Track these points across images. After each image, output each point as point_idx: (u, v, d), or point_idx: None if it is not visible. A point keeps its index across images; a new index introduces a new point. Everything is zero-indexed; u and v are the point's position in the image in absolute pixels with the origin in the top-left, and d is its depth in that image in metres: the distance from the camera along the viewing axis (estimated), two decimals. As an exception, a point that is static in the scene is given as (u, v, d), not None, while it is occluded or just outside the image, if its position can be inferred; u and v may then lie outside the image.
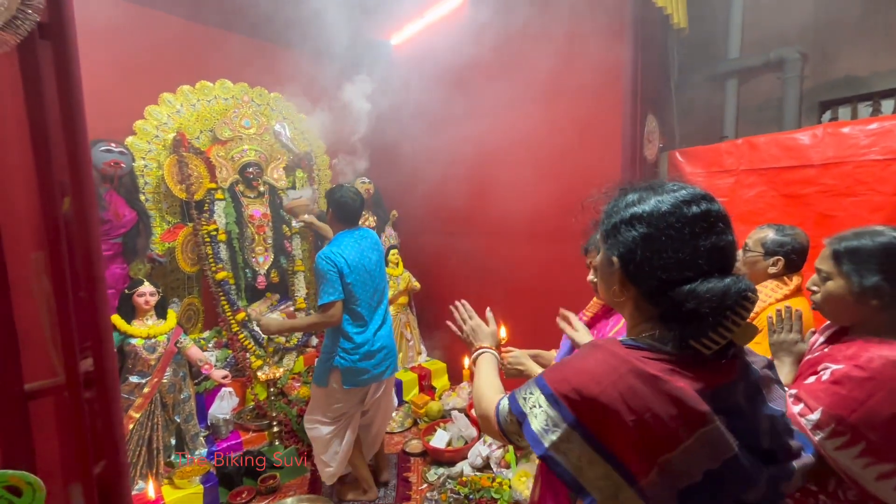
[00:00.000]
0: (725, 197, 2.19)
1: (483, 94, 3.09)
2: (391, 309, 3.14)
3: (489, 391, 0.93)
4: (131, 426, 2.06)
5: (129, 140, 2.85)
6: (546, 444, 0.66)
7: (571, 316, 1.33)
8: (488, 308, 1.24)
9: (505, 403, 0.80)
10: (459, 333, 1.19)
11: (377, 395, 2.29)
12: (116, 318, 2.12)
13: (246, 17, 3.26)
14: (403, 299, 3.69)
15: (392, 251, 3.64)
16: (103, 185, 2.61)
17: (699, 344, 0.65)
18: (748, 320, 0.67)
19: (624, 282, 0.72)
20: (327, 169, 3.88)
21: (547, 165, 2.61)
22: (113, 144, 2.60)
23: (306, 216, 2.75)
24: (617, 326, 1.26)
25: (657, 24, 2.22)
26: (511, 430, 0.78)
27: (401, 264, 3.70)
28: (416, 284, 3.72)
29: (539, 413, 0.69)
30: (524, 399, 0.73)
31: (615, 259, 0.71)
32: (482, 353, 1.10)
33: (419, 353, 3.79)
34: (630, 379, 0.64)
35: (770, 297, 1.50)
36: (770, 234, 1.58)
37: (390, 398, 2.44)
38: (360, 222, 3.91)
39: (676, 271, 0.66)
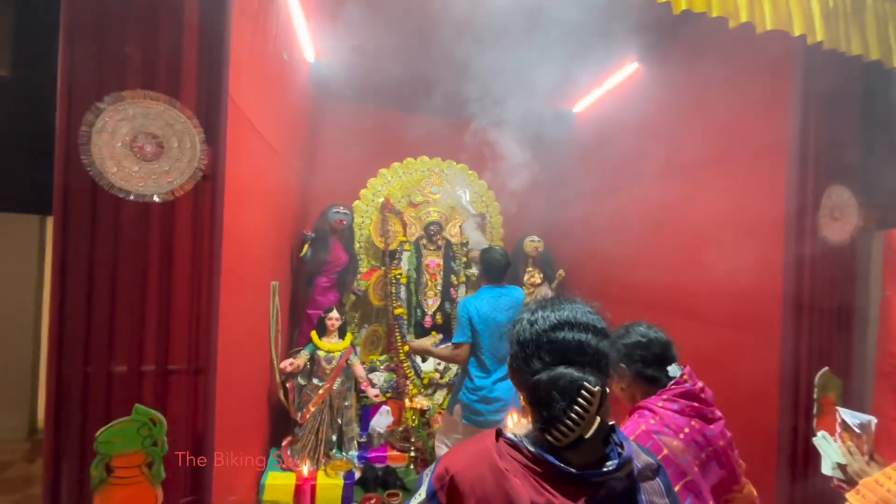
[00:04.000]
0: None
1: (649, 161, 2.94)
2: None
3: None
4: (308, 416, 2.78)
5: (356, 203, 3.90)
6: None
7: None
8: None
9: None
10: None
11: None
12: (313, 334, 2.93)
13: (444, 101, 4.05)
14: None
15: (546, 311, 3.68)
16: (332, 235, 3.64)
17: (551, 435, 0.71)
18: None
19: None
20: (500, 227, 4.27)
21: (705, 242, 2.30)
22: (341, 207, 3.62)
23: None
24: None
25: (856, 71, 1.76)
26: None
27: (554, 325, 3.69)
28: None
29: (424, 479, 0.81)
30: (432, 468, 0.84)
31: None
32: None
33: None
34: (483, 467, 0.72)
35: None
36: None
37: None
38: (524, 279, 4.16)
39: (527, 365, 0.76)
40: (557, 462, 0.69)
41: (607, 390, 0.76)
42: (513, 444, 0.75)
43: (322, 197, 3.77)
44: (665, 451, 1.11)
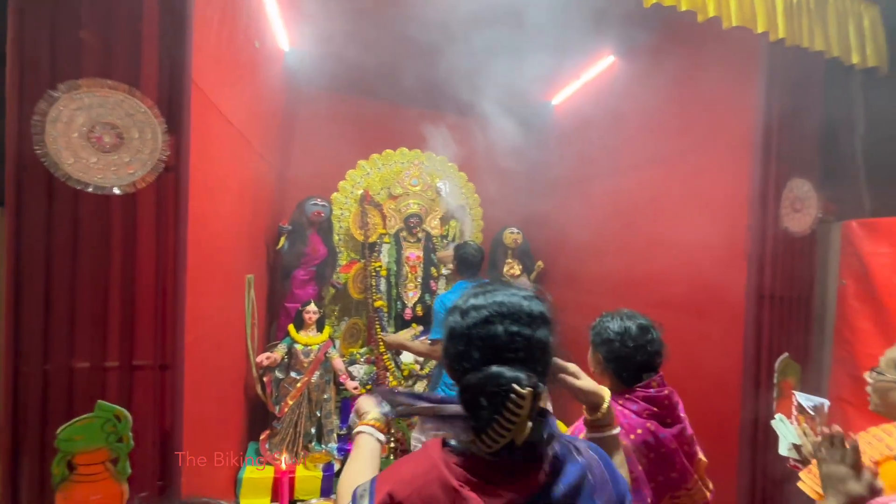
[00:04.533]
0: (923, 289, 1.57)
1: (624, 154, 2.99)
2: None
3: (355, 482, 0.79)
4: (286, 410, 2.77)
5: (334, 195, 3.85)
6: None
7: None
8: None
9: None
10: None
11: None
12: (291, 327, 2.90)
13: (422, 92, 4.02)
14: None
15: (524, 302, 3.73)
16: (309, 227, 3.60)
17: (483, 442, 0.66)
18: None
19: None
20: (479, 220, 4.29)
21: (675, 232, 2.35)
22: (319, 199, 3.58)
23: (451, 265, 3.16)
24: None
25: (817, 68, 1.81)
26: None
27: (532, 316, 3.74)
28: (547, 338, 3.69)
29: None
30: (360, 495, 0.74)
31: None
32: (360, 432, 0.92)
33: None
34: (434, 487, 0.66)
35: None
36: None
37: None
38: (504, 270, 4.19)
39: (458, 363, 0.71)
40: (484, 447, 0.66)
41: (541, 387, 0.68)
42: (462, 454, 0.70)
43: (299, 189, 3.71)
44: None
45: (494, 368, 0.67)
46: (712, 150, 2.08)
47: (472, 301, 0.75)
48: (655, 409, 1.22)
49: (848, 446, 0.92)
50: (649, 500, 1.14)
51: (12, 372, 1.10)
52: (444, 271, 3.89)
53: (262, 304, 3.12)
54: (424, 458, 0.71)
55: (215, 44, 1.69)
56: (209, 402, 1.87)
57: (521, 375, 0.66)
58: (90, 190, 1.14)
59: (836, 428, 0.96)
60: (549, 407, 3.74)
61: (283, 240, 3.36)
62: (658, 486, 1.18)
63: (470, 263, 2.60)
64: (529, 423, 0.66)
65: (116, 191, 1.16)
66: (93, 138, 1.14)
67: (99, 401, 1.15)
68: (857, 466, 0.90)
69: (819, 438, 1.18)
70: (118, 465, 1.16)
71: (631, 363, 1.24)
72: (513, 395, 0.64)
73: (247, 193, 2.56)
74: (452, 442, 0.73)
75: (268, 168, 3.23)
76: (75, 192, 1.14)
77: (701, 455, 1.30)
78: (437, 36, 2.85)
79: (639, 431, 1.19)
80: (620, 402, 1.23)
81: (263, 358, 2.73)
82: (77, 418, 1.14)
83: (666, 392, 1.25)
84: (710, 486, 1.28)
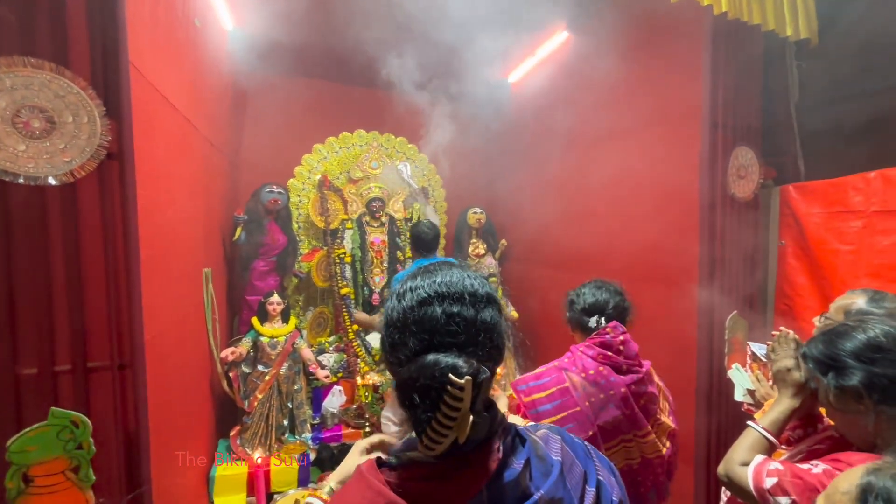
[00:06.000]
0: (850, 244, 1.72)
1: (580, 129, 3.05)
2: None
3: None
4: (255, 404, 2.70)
5: (290, 182, 3.71)
6: None
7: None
8: None
9: None
10: None
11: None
12: (254, 320, 2.81)
13: (378, 73, 3.92)
14: (499, 327, 3.79)
15: (490, 279, 3.79)
16: (267, 216, 3.46)
17: (424, 445, 0.60)
18: None
19: None
20: (443, 201, 4.28)
21: (632, 204, 2.44)
22: (275, 186, 3.44)
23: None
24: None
25: (756, 41, 1.91)
26: None
27: (499, 292, 3.81)
28: (514, 313, 3.78)
29: None
30: None
31: None
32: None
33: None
34: None
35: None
36: (859, 303, 1.25)
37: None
38: (469, 250, 4.22)
39: (393, 354, 0.64)
40: (425, 450, 0.60)
41: (484, 373, 0.61)
42: (400, 467, 0.63)
43: (254, 176, 3.55)
44: (566, 384, 1.32)
45: (430, 357, 0.60)
46: (664, 122, 2.16)
47: (409, 283, 0.69)
48: (610, 353, 1.35)
49: (793, 343, 1.09)
50: (591, 433, 1.26)
51: (-52, 384, 1.01)
52: (408, 255, 3.87)
53: (221, 298, 3.00)
54: (365, 489, 0.61)
55: (150, 21, 1.56)
56: (174, 401, 1.79)
57: (460, 362, 0.58)
58: (21, 181, 1.04)
59: (784, 328, 1.11)
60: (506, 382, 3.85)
61: (239, 230, 3.23)
62: (607, 428, 1.30)
63: (424, 241, 2.59)
64: (472, 417, 0.58)
65: (52, 181, 1.06)
66: (18, 123, 1.03)
67: (52, 408, 1.07)
68: (799, 359, 1.04)
69: (770, 382, 1.32)
70: (80, 472, 1.09)
71: (580, 307, 1.46)
72: (448, 388, 0.56)
73: (198, 182, 2.43)
74: (388, 458, 0.66)
75: (218, 155, 3.07)
76: (2, 184, 1.04)
77: (665, 419, 1.39)
78: (391, 13, 2.77)
79: (591, 372, 1.33)
80: (581, 349, 1.40)
81: (228, 353, 2.64)
82: (28, 428, 1.05)
83: (621, 338, 1.36)
84: (668, 445, 1.38)
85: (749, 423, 1.08)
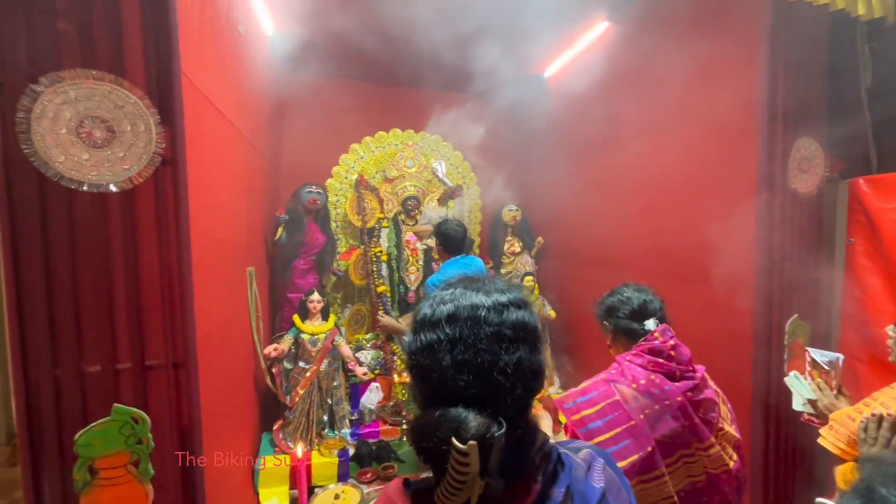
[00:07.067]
0: (934, 245, 1.57)
1: (622, 123, 2.94)
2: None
3: None
4: (297, 399, 2.77)
5: (329, 182, 3.78)
6: None
7: None
8: None
9: None
10: None
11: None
12: (295, 317, 2.88)
13: (412, 71, 3.92)
14: (536, 327, 3.73)
15: (527, 278, 3.73)
16: (306, 216, 3.54)
17: (439, 498, 0.55)
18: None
19: None
20: (477, 199, 4.24)
21: (680, 201, 2.33)
22: (314, 186, 3.51)
23: (429, 241, 3.13)
24: None
25: (822, 21, 1.76)
26: None
27: (536, 290, 3.75)
28: (551, 313, 3.70)
29: None
30: None
31: None
32: None
33: (550, 385, 3.74)
34: None
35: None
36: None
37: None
38: (504, 248, 4.17)
39: (412, 399, 0.61)
40: None
41: (498, 430, 0.54)
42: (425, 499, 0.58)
43: (293, 177, 3.64)
44: (616, 397, 1.22)
45: (436, 412, 0.55)
46: (716, 113, 2.04)
47: (423, 311, 0.62)
48: (660, 360, 1.25)
49: (886, 428, 0.91)
50: (649, 449, 1.16)
51: (23, 381, 1.08)
52: (419, 246, 3.84)
53: (264, 296, 3.09)
54: None
55: (198, 29, 1.61)
56: (222, 397, 1.85)
57: (468, 420, 0.53)
58: (85, 188, 1.09)
59: (884, 410, 0.94)
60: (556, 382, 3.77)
61: (280, 230, 3.32)
62: (665, 442, 1.19)
63: (454, 240, 2.53)
64: (481, 483, 0.53)
65: (113, 188, 1.11)
66: (82, 133, 1.08)
67: (115, 404, 1.13)
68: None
69: (834, 392, 1.20)
70: (140, 466, 1.15)
71: (626, 312, 1.34)
72: (454, 454, 0.52)
73: (241, 184, 2.50)
74: (414, 482, 0.63)
75: (259, 156, 3.16)
76: (69, 192, 1.10)
77: (728, 427, 1.30)
78: (425, 12, 2.75)
79: (641, 382, 1.23)
80: (628, 358, 1.30)
81: (271, 350, 2.72)
82: (94, 423, 1.11)
83: (671, 343, 1.27)
84: (734, 457, 1.28)
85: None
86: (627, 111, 2.84)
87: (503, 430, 0.55)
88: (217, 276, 1.80)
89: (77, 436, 1.10)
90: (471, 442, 0.51)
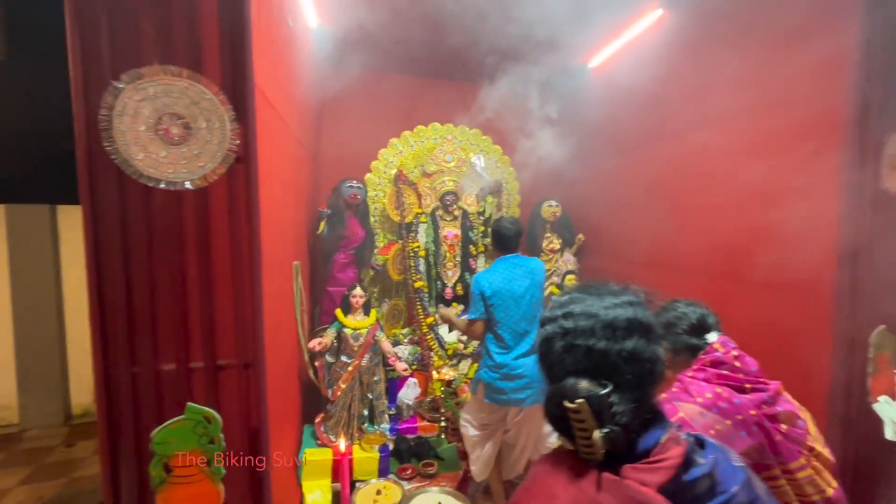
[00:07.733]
0: None
1: (677, 115, 2.80)
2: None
3: None
4: (339, 394, 2.79)
5: (368, 176, 3.77)
6: None
7: None
8: None
9: None
10: None
11: (518, 419, 2.40)
12: (338, 312, 2.89)
13: (452, 63, 3.85)
14: (577, 326, 3.64)
15: (568, 276, 3.64)
16: (347, 210, 3.54)
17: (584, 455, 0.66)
18: None
19: None
20: (516, 194, 4.16)
21: (748, 200, 2.20)
22: (354, 181, 3.50)
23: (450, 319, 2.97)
24: None
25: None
26: None
27: (577, 291, 3.66)
28: (593, 313, 3.60)
29: None
30: None
31: None
32: None
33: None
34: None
35: None
36: None
37: (535, 425, 2.50)
38: (542, 245, 4.08)
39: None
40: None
41: (601, 389, 0.66)
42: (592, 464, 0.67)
43: (333, 171, 3.64)
44: (680, 414, 1.13)
45: (557, 384, 0.69)
46: (789, 106, 1.90)
47: (545, 313, 0.79)
48: (725, 372, 1.18)
49: None
50: None
51: (103, 376, 1.09)
52: (483, 245, 3.82)
53: (306, 289, 3.11)
54: (575, 490, 0.66)
55: (256, 23, 1.59)
56: (280, 395, 1.86)
57: (580, 385, 0.67)
58: (162, 186, 1.09)
59: None
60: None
61: (322, 224, 3.32)
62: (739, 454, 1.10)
63: (507, 238, 2.47)
64: (599, 434, 0.63)
65: (188, 185, 1.10)
66: (160, 130, 1.07)
67: (189, 403, 1.13)
68: None
69: None
70: (212, 466, 1.15)
71: (685, 329, 1.28)
72: (568, 411, 0.65)
73: (290, 180, 2.50)
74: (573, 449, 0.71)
75: (304, 152, 3.16)
76: (147, 190, 1.09)
77: (821, 448, 1.19)
78: (463, 4, 2.68)
79: (707, 395, 1.15)
80: (689, 375, 1.23)
81: (315, 343, 2.73)
82: (169, 421, 1.12)
83: (734, 353, 1.20)
84: (834, 484, 1.17)
85: None
86: (681, 105, 2.71)
87: (609, 389, 0.67)
88: (275, 273, 1.80)
89: (154, 433, 1.11)
90: (579, 400, 0.65)
